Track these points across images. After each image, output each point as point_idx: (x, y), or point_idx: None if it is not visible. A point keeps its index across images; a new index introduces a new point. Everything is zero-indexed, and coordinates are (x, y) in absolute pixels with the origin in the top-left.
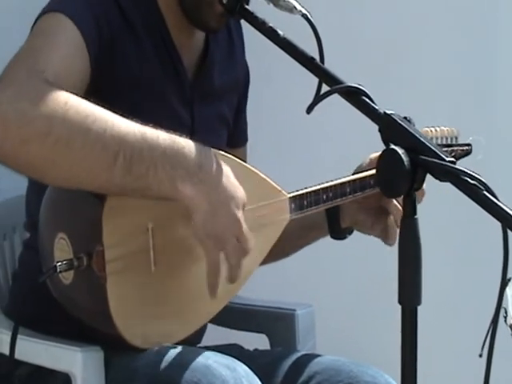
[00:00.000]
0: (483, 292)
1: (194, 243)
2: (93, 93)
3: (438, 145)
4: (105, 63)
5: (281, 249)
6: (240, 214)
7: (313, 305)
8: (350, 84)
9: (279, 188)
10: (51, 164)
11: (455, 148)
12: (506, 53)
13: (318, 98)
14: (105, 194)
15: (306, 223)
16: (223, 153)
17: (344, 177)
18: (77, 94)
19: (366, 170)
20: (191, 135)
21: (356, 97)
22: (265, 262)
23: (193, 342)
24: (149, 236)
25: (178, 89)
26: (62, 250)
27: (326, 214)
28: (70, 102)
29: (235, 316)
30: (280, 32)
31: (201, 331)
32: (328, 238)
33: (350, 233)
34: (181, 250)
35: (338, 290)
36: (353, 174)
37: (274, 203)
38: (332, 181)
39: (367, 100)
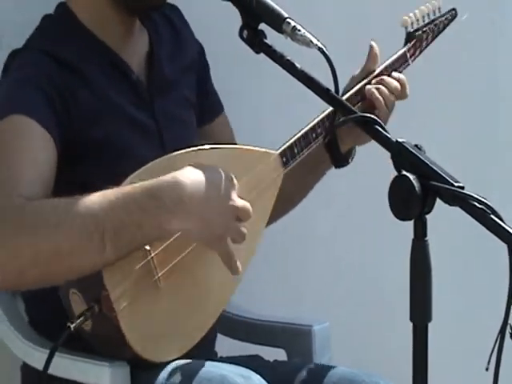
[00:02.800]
0: (490, 309)
1: (192, 247)
2: (67, 154)
3: (421, 27)
4: (67, 128)
5: (289, 195)
6: (232, 199)
7: (328, 321)
8: (363, 114)
9: (266, 150)
10: (53, 275)
11: (440, 19)
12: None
13: (335, 126)
14: None
15: (309, 162)
16: (199, 147)
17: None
18: (66, 185)
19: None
20: (159, 134)
21: (369, 126)
22: (278, 214)
23: (209, 344)
24: (147, 256)
25: (133, 95)
26: (76, 302)
27: (325, 146)
28: (46, 213)
29: (256, 332)
30: (298, 65)
31: (214, 333)
32: (343, 261)
33: (352, 158)
34: (181, 259)
35: (352, 308)
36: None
37: (266, 165)
38: (316, 118)
39: (380, 129)
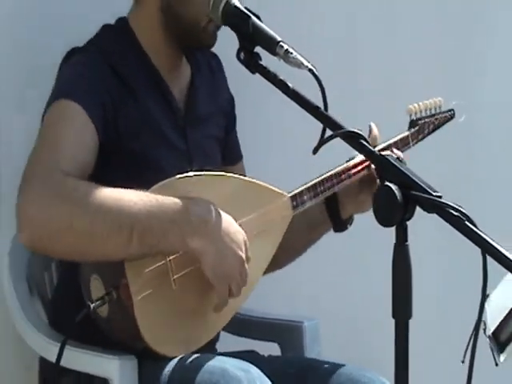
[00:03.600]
0: (465, 307)
1: None
2: (101, 151)
3: (423, 117)
4: (110, 126)
5: (292, 250)
6: (242, 253)
7: (318, 317)
8: (350, 129)
9: (279, 191)
10: (78, 251)
11: (439, 116)
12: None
13: (323, 141)
14: None
15: (311, 222)
16: (223, 173)
17: (338, 166)
18: (90, 178)
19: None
20: (188, 159)
21: (355, 140)
22: (279, 263)
23: (211, 344)
24: (166, 260)
25: (172, 120)
26: (96, 287)
27: (327, 210)
28: (86, 193)
29: (252, 328)
30: (290, 84)
31: (217, 336)
32: (333, 263)
33: (351, 223)
34: (195, 268)
35: (340, 305)
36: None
37: (277, 205)
38: (324, 174)
39: (365, 143)
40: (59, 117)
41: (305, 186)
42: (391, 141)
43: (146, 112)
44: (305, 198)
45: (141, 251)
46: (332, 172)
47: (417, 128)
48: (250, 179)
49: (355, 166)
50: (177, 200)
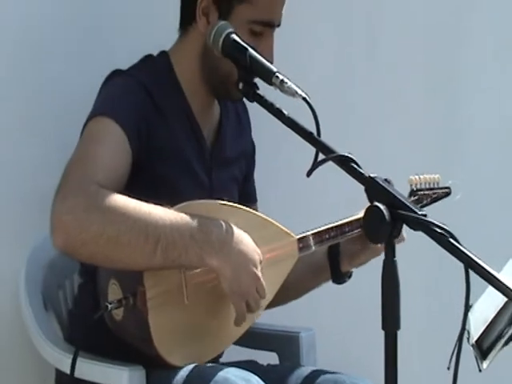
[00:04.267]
0: (450, 317)
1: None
2: (132, 171)
3: (423, 189)
4: (142, 147)
5: (293, 292)
6: (258, 271)
7: (314, 328)
8: (341, 153)
9: (288, 231)
10: (105, 257)
11: (437, 190)
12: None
13: (316, 164)
14: None
15: (314, 269)
16: (240, 206)
17: (343, 219)
18: (122, 192)
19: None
20: (210, 196)
21: (346, 163)
22: (280, 302)
23: (216, 357)
24: (181, 275)
25: (200, 157)
26: (114, 292)
27: (329, 260)
28: (117, 204)
29: (252, 338)
30: (285, 112)
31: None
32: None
33: (349, 277)
34: (209, 285)
35: (334, 317)
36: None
37: (285, 244)
38: (329, 224)
39: (355, 166)
40: (98, 132)
41: (312, 232)
42: None
43: (177, 144)
44: (311, 242)
45: (163, 263)
46: (338, 223)
47: (416, 198)
48: (264, 216)
49: (359, 219)
50: (199, 219)
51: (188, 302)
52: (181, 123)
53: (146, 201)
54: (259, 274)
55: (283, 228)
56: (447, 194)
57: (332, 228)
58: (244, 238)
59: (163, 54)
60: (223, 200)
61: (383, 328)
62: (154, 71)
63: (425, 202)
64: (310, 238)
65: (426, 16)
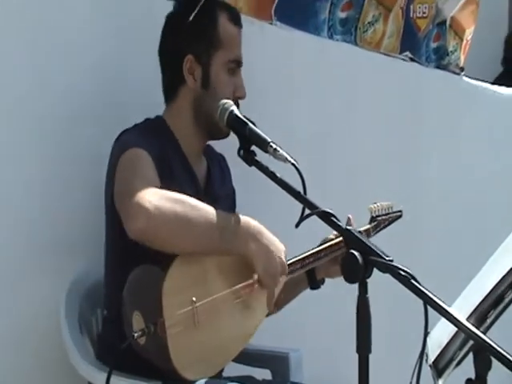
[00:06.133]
0: (412, 342)
1: (225, 305)
2: None
3: (380, 215)
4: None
5: (280, 303)
6: (283, 258)
7: (301, 349)
8: (323, 209)
9: None
10: (178, 239)
11: (391, 215)
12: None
13: (302, 218)
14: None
15: (294, 282)
16: None
17: (319, 246)
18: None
19: (331, 240)
20: None
21: (327, 217)
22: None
23: (219, 372)
24: (193, 305)
25: (195, 193)
26: (137, 322)
27: (306, 273)
28: (181, 197)
29: (249, 357)
30: (278, 174)
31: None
32: (313, 304)
33: (323, 283)
34: (217, 309)
35: (319, 339)
36: (320, 244)
37: None
38: (309, 250)
39: (334, 219)
40: (134, 158)
41: (297, 258)
42: (359, 230)
43: (178, 184)
44: (297, 266)
45: (218, 246)
46: (317, 249)
47: (376, 223)
48: None
49: (332, 246)
50: (239, 215)
51: (200, 325)
52: (180, 168)
53: None
54: (285, 262)
55: None
56: (399, 217)
57: (312, 254)
58: (272, 235)
59: (158, 117)
60: None
61: (357, 351)
62: (153, 130)
63: (382, 225)
64: (294, 264)
65: (389, 106)
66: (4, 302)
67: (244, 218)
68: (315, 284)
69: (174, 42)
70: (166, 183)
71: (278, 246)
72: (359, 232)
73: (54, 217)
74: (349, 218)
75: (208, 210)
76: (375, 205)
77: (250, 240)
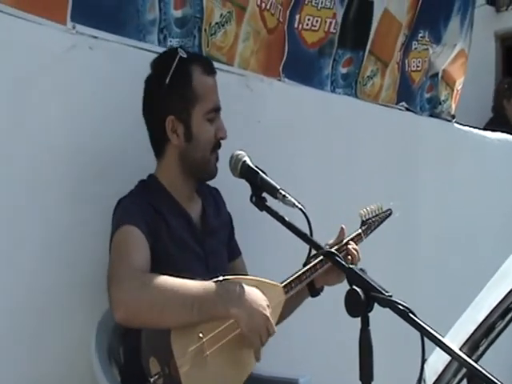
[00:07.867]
0: (411, 370)
1: (230, 334)
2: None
3: (370, 217)
4: (152, 237)
5: (285, 313)
6: (267, 313)
7: (310, 375)
8: (328, 250)
9: (274, 282)
10: (156, 322)
11: (381, 214)
12: None
13: (309, 258)
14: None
15: (295, 293)
16: (236, 276)
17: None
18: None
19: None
20: (206, 262)
21: (332, 256)
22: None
23: None
24: (201, 340)
25: (192, 234)
26: (154, 365)
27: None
28: (160, 282)
29: (261, 383)
30: (286, 218)
31: None
32: (322, 331)
33: (322, 290)
34: (223, 339)
35: (327, 366)
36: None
37: (274, 293)
38: (307, 265)
39: (338, 259)
40: (125, 237)
41: (293, 277)
42: (350, 236)
43: (175, 231)
44: (293, 285)
45: (199, 317)
46: (312, 264)
47: (366, 226)
48: (252, 277)
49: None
50: (217, 283)
51: (209, 359)
52: (174, 215)
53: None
54: (268, 315)
55: (269, 281)
56: (390, 215)
57: (308, 269)
58: (253, 291)
59: (151, 175)
60: (216, 264)
61: (360, 379)
62: (147, 188)
63: (373, 227)
64: (292, 283)
65: (387, 152)
66: (46, 336)
67: (222, 285)
68: (315, 292)
69: (155, 105)
70: (164, 236)
71: (259, 302)
72: (361, 270)
73: (87, 258)
74: (342, 228)
75: (187, 287)
76: (364, 209)
77: (229, 306)
